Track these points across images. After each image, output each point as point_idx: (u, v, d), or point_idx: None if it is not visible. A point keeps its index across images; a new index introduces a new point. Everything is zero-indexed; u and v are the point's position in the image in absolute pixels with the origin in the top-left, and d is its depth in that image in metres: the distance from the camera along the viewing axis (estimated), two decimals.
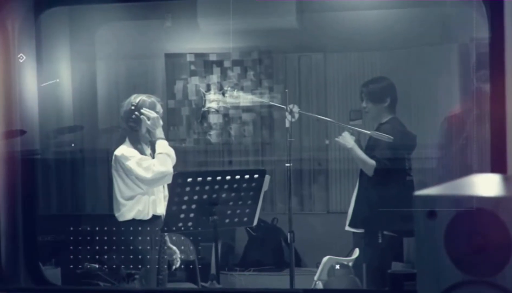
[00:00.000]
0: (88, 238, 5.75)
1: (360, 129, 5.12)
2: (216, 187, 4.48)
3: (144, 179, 4.58)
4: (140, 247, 4.64)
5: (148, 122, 4.63)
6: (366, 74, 6.71)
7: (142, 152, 4.66)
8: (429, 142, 5.88)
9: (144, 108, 4.65)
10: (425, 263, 1.89)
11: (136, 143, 4.67)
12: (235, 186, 4.54)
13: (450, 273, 1.85)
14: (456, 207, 1.83)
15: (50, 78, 5.66)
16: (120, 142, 4.71)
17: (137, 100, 4.68)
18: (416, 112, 6.48)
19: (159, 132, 4.66)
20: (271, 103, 6.43)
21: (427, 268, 1.89)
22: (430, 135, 5.90)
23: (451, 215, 1.84)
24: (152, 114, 4.64)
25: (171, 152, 4.66)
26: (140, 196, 4.63)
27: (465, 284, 1.84)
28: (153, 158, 4.64)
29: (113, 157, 4.65)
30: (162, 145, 4.64)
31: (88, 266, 4.92)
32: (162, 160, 4.58)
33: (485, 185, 2.09)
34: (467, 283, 1.84)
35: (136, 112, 4.65)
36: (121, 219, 4.67)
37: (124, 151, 4.64)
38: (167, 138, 4.76)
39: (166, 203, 4.64)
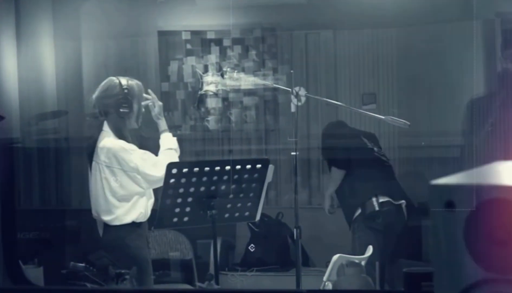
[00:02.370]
0: (74, 235, 5.78)
1: (374, 114, 5.13)
2: (215, 178, 4.47)
3: (153, 178, 4.40)
4: (131, 245, 4.50)
5: (156, 110, 4.54)
6: (380, 53, 6.71)
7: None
8: (450, 128, 5.87)
9: (149, 91, 4.57)
10: (442, 260, 1.89)
11: (125, 134, 4.47)
12: (236, 177, 4.53)
13: (470, 270, 1.85)
14: (476, 197, 1.83)
15: (31, 58, 5.66)
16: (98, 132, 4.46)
17: (127, 83, 4.49)
18: (435, 96, 6.48)
19: (164, 124, 4.57)
20: (275, 85, 6.42)
21: (445, 266, 1.89)
22: (451, 120, 5.89)
23: (471, 206, 1.84)
24: (158, 101, 4.57)
25: (177, 146, 4.58)
26: (138, 196, 4.46)
27: (486, 283, 1.84)
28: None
29: (103, 150, 4.38)
30: (171, 140, 4.54)
31: (74, 266, 4.94)
32: (172, 156, 4.47)
33: (509, 173, 2.09)
34: (489, 281, 1.84)
35: (129, 97, 4.46)
36: (116, 223, 4.44)
37: (121, 143, 4.41)
38: None
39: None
